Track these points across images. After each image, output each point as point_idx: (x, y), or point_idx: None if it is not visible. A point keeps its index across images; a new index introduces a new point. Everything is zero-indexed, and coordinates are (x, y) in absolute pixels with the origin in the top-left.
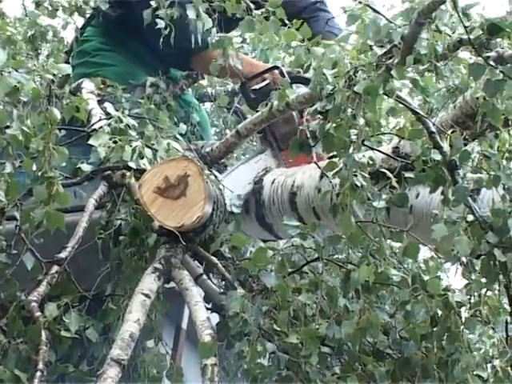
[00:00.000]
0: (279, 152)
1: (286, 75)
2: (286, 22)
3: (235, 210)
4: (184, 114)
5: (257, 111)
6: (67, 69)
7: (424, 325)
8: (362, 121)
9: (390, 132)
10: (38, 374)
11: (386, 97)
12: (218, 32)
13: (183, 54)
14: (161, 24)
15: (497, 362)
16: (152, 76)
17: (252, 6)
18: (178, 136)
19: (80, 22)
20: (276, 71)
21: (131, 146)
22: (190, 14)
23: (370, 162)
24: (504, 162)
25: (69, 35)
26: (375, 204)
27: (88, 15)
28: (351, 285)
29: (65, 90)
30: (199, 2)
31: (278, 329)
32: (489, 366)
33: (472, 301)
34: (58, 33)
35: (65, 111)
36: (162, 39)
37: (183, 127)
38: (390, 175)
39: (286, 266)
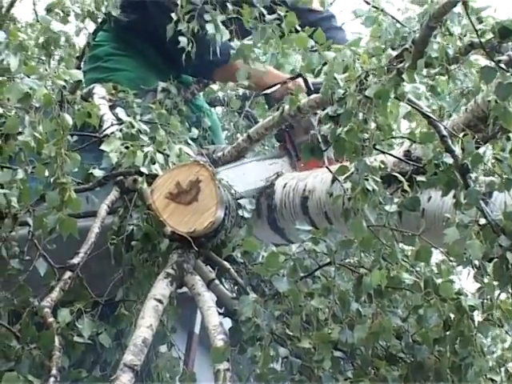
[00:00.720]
0: (297, 161)
1: (310, 84)
2: (298, 28)
3: (246, 215)
4: (195, 119)
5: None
6: (79, 74)
7: (437, 329)
8: (373, 125)
9: (401, 136)
10: (52, 379)
11: (399, 101)
12: (236, 40)
13: (206, 67)
14: (183, 42)
15: (510, 366)
16: (164, 81)
17: (264, 11)
18: (190, 141)
19: (92, 27)
20: (300, 79)
21: (143, 151)
22: (209, 27)
23: (382, 166)
24: None
25: (80, 41)
26: (387, 208)
27: (100, 20)
28: (363, 289)
29: (76, 95)
30: (217, 13)
31: (291, 333)
32: (502, 369)
33: (485, 304)
34: (70, 39)
35: (76, 117)
36: (184, 54)
37: (195, 132)
38: (402, 179)
39: (298, 271)
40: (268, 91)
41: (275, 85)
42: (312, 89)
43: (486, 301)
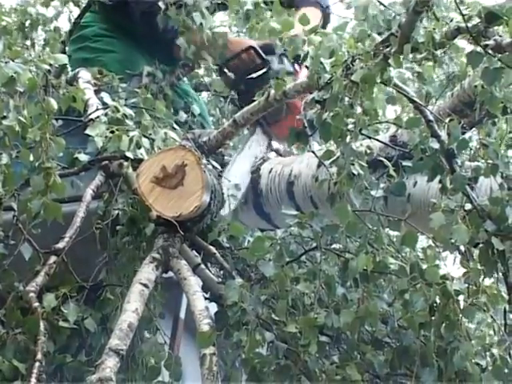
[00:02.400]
0: (268, 127)
1: (262, 53)
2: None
3: (233, 201)
4: (184, 105)
5: (236, 91)
6: (63, 59)
7: (423, 313)
8: (359, 110)
9: (387, 121)
10: (37, 364)
11: (383, 86)
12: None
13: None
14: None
15: (495, 351)
16: (154, 63)
17: None
18: (175, 125)
19: (75, 11)
20: (252, 51)
21: (128, 135)
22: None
23: (368, 151)
24: (502, 150)
25: (64, 25)
26: (373, 193)
27: (83, 4)
28: (349, 274)
29: (61, 79)
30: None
31: (277, 318)
32: (488, 354)
33: (470, 289)
34: (48, 22)
35: (61, 101)
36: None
37: (183, 115)
38: (388, 164)
39: (284, 256)
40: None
41: (231, 58)
42: (264, 56)
43: (471, 286)
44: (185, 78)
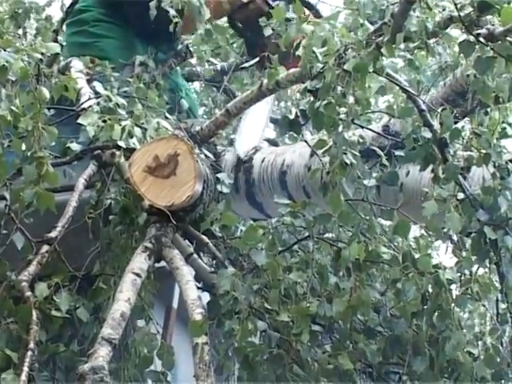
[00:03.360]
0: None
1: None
2: None
3: (225, 189)
4: (171, 101)
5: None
6: (55, 48)
7: (415, 302)
8: (351, 99)
9: (380, 110)
10: (29, 353)
11: (376, 75)
12: None
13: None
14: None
15: (488, 340)
16: (152, 49)
17: None
18: (168, 115)
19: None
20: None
21: (120, 125)
22: None
23: (361, 141)
24: (494, 139)
25: (56, 14)
26: (365, 182)
27: None
28: (342, 263)
29: (53, 69)
30: None
31: (269, 307)
32: (480, 343)
33: (463, 279)
34: (41, 10)
35: (54, 90)
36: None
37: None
38: (381, 153)
39: (276, 245)
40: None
41: (239, 8)
42: (271, 3)
43: (463, 275)
44: (178, 68)
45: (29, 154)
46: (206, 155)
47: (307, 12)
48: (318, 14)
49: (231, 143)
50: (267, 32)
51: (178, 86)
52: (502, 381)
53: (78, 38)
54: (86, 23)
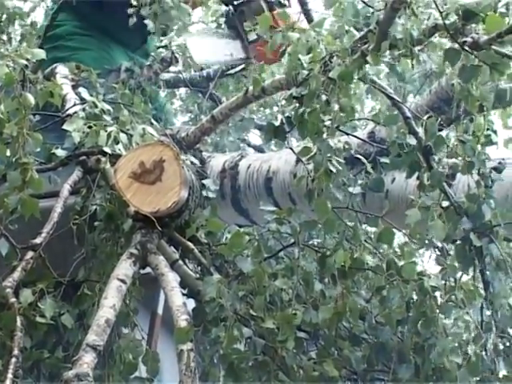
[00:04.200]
0: (248, 44)
1: None
2: None
3: (211, 195)
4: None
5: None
6: (41, 54)
7: (399, 310)
8: (336, 106)
9: (365, 118)
10: (13, 360)
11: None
12: None
13: None
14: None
15: (470, 348)
16: (131, 58)
17: None
18: (153, 121)
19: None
20: None
21: (106, 131)
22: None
23: (346, 147)
24: (479, 147)
25: (40, 19)
26: (351, 189)
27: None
28: (327, 270)
29: (38, 75)
30: None
31: (255, 314)
32: (463, 351)
33: (447, 286)
34: (24, 16)
35: (39, 96)
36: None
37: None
38: (365, 161)
39: (262, 252)
40: None
41: None
42: None
43: (448, 282)
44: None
45: (13, 160)
46: (191, 161)
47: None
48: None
49: (218, 150)
50: None
51: (157, 99)
52: None
53: (54, 53)
54: (60, 38)
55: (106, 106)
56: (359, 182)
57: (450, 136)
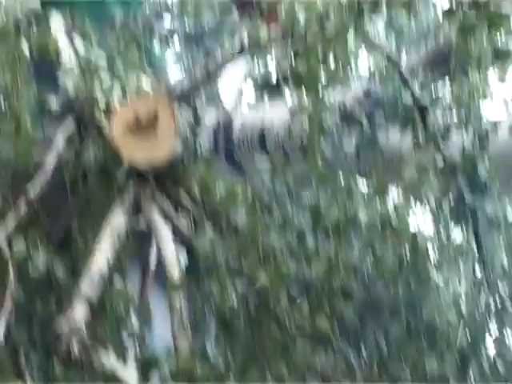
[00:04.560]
0: (261, 17)
1: None
2: None
3: (204, 150)
4: None
5: None
6: (35, 3)
7: (392, 267)
8: (332, 61)
9: (361, 74)
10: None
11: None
12: None
13: None
14: None
15: (463, 306)
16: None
17: None
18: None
19: None
20: None
21: (100, 81)
22: None
23: (341, 103)
24: (476, 101)
25: None
26: (345, 145)
27: None
28: (320, 226)
29: (33, 23)
30: None
31: (248, 269)
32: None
33: (440, 242)
34: None
35: (33, 46)
36: None
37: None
38: (361, 118)
39: (256, 205)
40: None
41: None
42: None
43: (439, 236)
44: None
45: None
46: (186, 116)
47: None
48: None
49: (212, 104)
50: None
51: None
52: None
53: None
54: None
55: (101, 55)
56: (353, 139)
57: (446, 90)
